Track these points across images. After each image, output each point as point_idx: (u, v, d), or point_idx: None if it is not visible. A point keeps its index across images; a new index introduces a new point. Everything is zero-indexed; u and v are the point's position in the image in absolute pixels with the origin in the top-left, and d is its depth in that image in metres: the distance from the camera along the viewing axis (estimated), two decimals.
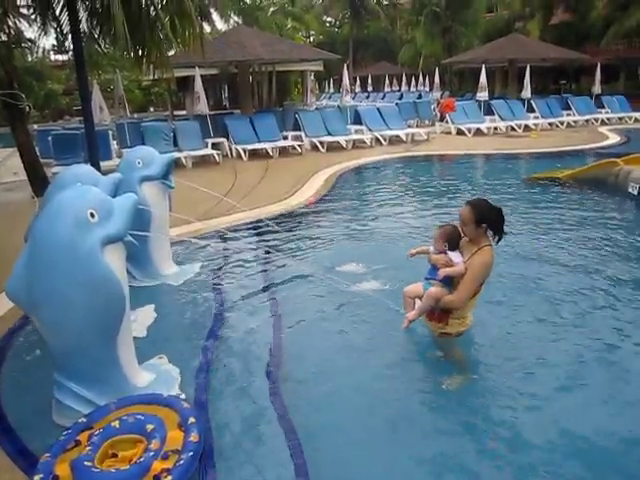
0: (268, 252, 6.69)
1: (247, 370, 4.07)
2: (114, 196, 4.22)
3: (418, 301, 4.11)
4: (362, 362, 4.14)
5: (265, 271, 6.13)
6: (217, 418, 3.46)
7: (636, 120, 22.37)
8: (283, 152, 15.73)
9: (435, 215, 8.55)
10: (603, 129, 20.02)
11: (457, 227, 3.92)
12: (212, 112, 17.09)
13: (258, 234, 7.66)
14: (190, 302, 5.27)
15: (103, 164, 9.73)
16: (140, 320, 4.80)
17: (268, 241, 7.28)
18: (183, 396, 3.62)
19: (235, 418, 3.49)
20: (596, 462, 3.11)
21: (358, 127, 17.91)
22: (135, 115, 26.20)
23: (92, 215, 3.15)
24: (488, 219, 3.76)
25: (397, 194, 10.57)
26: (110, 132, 13.81)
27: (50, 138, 13.04)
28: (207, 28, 28.52)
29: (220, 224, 7.88)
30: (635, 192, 8.96)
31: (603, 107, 23.02)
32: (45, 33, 11.71)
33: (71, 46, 9.40)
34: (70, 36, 9.83)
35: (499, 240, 3.84)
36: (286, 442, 3.20)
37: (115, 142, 14.39)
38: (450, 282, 3.87)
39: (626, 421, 3.42)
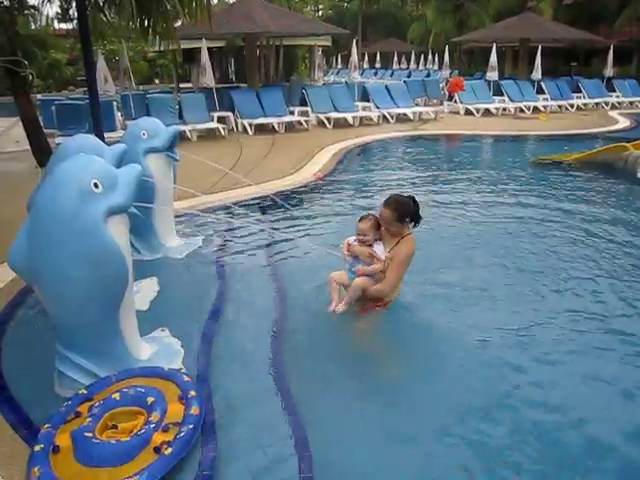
0: (273, 227, 6.66)
1: (250, 343, 4.06)
2: (118, 167, 4.20)
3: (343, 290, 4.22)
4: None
5: (269, 245, 6.11)
6: (219, 391, 3.45)
7: None
8: (289, 127, 15.61)
9: (441, 194, 8.49)
10: (613, 113, 19.75)
11: (377, 217, 4.09)
12: (218, 85, 16.90)
13: (263, 208, 7.63)
14: (193, 275, 5.26)
15: (107, 135, 9.63)
16: (143, 293, 4.78)
17: (273, 216, 7.27)
18: (184, 370, 3.62)
19: (237, 392, 3.48)
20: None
21: (365, 104, 17.73)
22: (140, 87, 25.95)
23: (96, 185, 3.10)
24: (409, 213, 3.98)
25: (404, 173, 10.48)
26: (115, 103, 13.68)
27: (53, 108, 12.93)
28: None
29: (224, 198, 7.83)
30: None
31: (614, 90, 22.66)
32: (49, 0, 11.56)
33: (75, 14, 9.26)
34: (74, 4, 9.68)
35: (416, 225, 4.12)
36: (287, 418, 3.19)
37: (120, 113, 14.27)
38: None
39: None
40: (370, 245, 4.06)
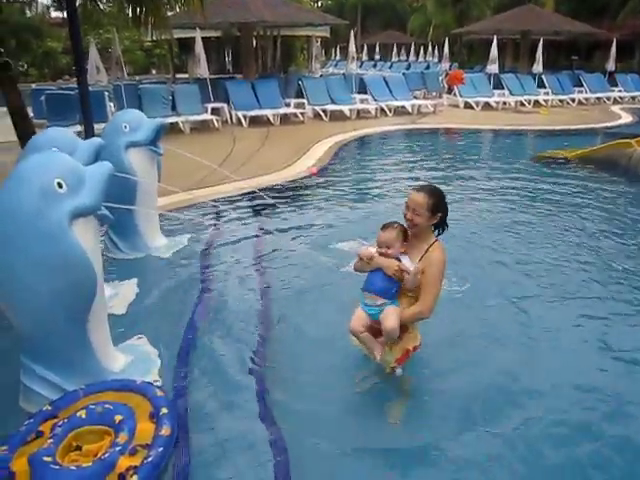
0: (261, 227, 6.39)
1: (232, 353, 3.81)
2: (95, 162, 3.93)
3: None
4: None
5: (257, 246, 5.82)
6: (196, 408, 3.21)
7: None
8: (285, 119, 15.31)
9: (446, 190, 8.21)
10: (615, 108, 19.48)
11: (403, 225, 3.21)
12: (213, 76, 16.56)
13: (253, 205, 7.33)
14: (176, 277, 4.99)
15: (97, 126, 9.36)
16: (121, 295, 4.54)
17: (263, 213, 6.99)
18: (160, 382, 3.37)
19: (216, 409, 3.24)
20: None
21: (363, 96, 17.41)
22: (137, 77, 25.56)
23: (59, 185, 2.83)
24: (442, 206, 3.20)
25: (403, 167, 10.22)
26: (106, 93, 13.35)
27: (43, 98, 12.60)
28: None
29: (213, 194, 7.55)
30: None
31: (616, 85, 22.39)
32: None
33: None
34: None
35: (442, 232, 3.29)
36: (269, 440, 2.96)
37: (112, 104, 13.94)
38: (394, 294, 3.13)
39: None
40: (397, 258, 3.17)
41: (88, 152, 3.86)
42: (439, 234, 3.28)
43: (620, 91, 22.09)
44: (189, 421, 3.07)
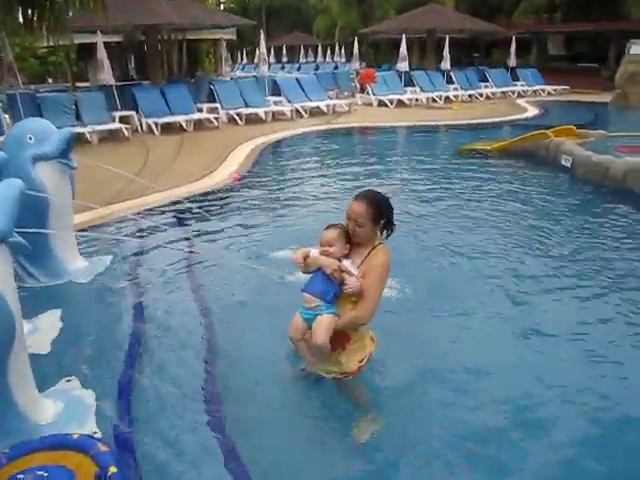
0: (188, 239, 5.90)
1: (179, 385, 3.36)
2: None
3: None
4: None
5: (187, 262, 5.30)
6: (147, 459, 2.75)
7: (549, 93, 22.94)
8: (198, 125, 14.69)
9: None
10: (520, 101, 20.28)
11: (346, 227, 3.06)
12: (118, 83, 15.65)
13: (177, 218, 6.78)
14: (103, 304, 4.45)
15: None
16: (42, 331, 3.95)
17: (189, 226, 6.48)
18: (99, 434, 2.87)
19: (170, 457, 2.79)
20: None
21: (277, 98, 17.04)
22: (32, 86, 23.91)
23: None
24: (385, 212, 3.03)
25: (326, 168, 9.99)
26: None
27: None
28: None
29: (132, 208, 6.93)
30: (568, 165, 8.80)
31: (518, 80, 23.35)
32: None
33: None
34: None
35: (389, 235, 3.11)
36: None
37: (7, 115, 12.80)
38: (332, 298, 2.97)
39: None
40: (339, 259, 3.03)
41: None
42: (387, 236, 3.10)
43: (522, 85, 23.04)
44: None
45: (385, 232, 3.09)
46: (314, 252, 3.04)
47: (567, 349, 3.79)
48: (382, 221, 3.01)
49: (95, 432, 2.89)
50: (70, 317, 4.15)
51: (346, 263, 2.96)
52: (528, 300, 4.49)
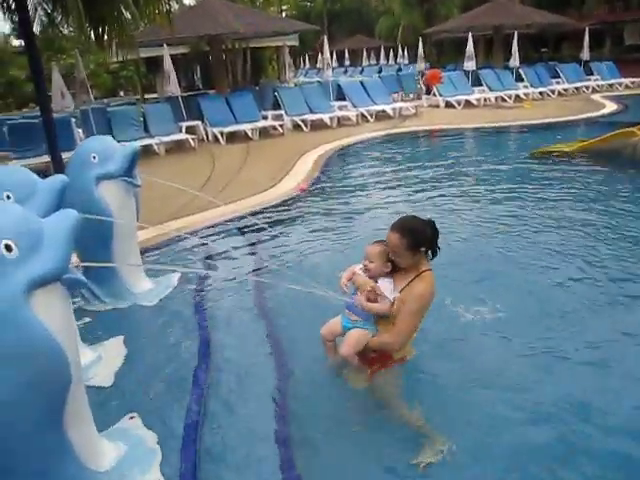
0: (258, 258, 5.63)
1: (249, 422, 3.10)
2: (59, 205, 3.19)
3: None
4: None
5: (258, 283, 4.94)
6: None
7: (626, 86, 21.63)
8: (264, 133, 14.61)
9: (445, 197, 7.62)
10: (596, 97, 19.14)
11: None
12: (184, 93, 15.82)
13: (244, 233, 6.53)
14: (170, 330, 4.21)
15: (66, 155, 8.59)
16: (106, 360, 3.78)
17: (257, 242, 6.21)
18: None
19: None
20: None
21: (342, 103, 16.78)
22: (104, 100, 24.68)
23: (8, 248, 2.09)
24: (425, 241, 2.95)
25: (399, 176, 9.49)
26: (73, 119, 12.52)
27: (5, 128, 11.76)
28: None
29: (199, 223, 6.77)
30: None
31: (592, 74, 22.14)
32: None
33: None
34: (17, 17, 8.72)
35: (434, 257, 3.08)
36: None
37: (80, 130, 13.12)
38: (370, 315, 2.98)
39: None
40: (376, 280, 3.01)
41: (50, 195, 3.12)
42: (432, 258, 3.07)
43: (597, 79, 21.82)
44: None
45: (430, 255, 3.06)
46: (357, 269, 3.06)
47: None
48: (421, 249, 2.95)
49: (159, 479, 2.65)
50: (135, 344, 3.97)
51: (383, 284, 2.94)
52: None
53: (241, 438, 2.99)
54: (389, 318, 2.93)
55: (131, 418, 3.14)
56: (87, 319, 4.33)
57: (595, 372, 3.42)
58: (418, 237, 2.90)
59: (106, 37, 11.71)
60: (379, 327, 2.99)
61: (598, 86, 21.36)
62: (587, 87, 21.14)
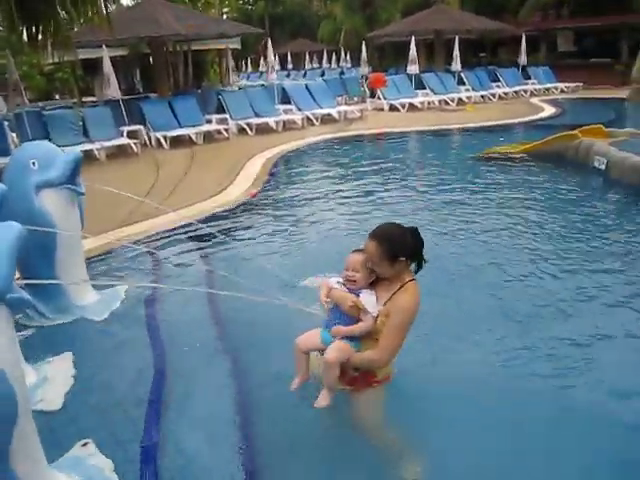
0: (209, 266, 5.43)
1: (211, 444, 2.93)
2: None
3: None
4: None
5: (211, 295, 4.70)
6: None
7: (562, 90, 22.48)
8: (208, 137, 14.29)
9: (397, 202, 7.62)
10: (534, 100, 19.81)
11: None
12: (125, 97, 15.31)
13: (193, 241, 6.30)
14: (120, 345, 3.99)
15: (0, 161, 8.16)
16: (53, 381, 3.52)
17: (207, 250, 5.99)
18: None
19: None
20: None
21: (287, 107, 16.64)
22: (40, 103, 23.68)
23: None
24: (405, 249, 2.69)
25: (342, 180, 9.49)
26: (6, 123, 11.89)
27: None
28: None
29: (144, 231, 6.49)
30: (603, 167, 8.29)
31: (529, 78, 22.89)
32: None
33: None
34: None
35: (419, 269, 2.82)
36: None
37: (14, 135, 12.48)
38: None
39: None
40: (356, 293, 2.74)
41: None
42: (417, 270, 2.79)
43: (534, 84, 22.57)
44: None
45: (414, 266, 2.80)
46: (333, 283, 2.79)
47: None
48: (400, 258, 2.67)
49: None
50: (84, 362, 3.71)
51: (364, 297, 2.69)
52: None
53: (201, 458, 2.82)
54: (373, 334, 2.71)
55: (84, 445, 2.91)
56: (28, 334, 4.05)
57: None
58: (395, 246, 2.66)
59: (40, 37, 11.23)
60: (362, 342, 2.74)
61: (536, 90, 22.15)
62: (525, 91, 21.85)
